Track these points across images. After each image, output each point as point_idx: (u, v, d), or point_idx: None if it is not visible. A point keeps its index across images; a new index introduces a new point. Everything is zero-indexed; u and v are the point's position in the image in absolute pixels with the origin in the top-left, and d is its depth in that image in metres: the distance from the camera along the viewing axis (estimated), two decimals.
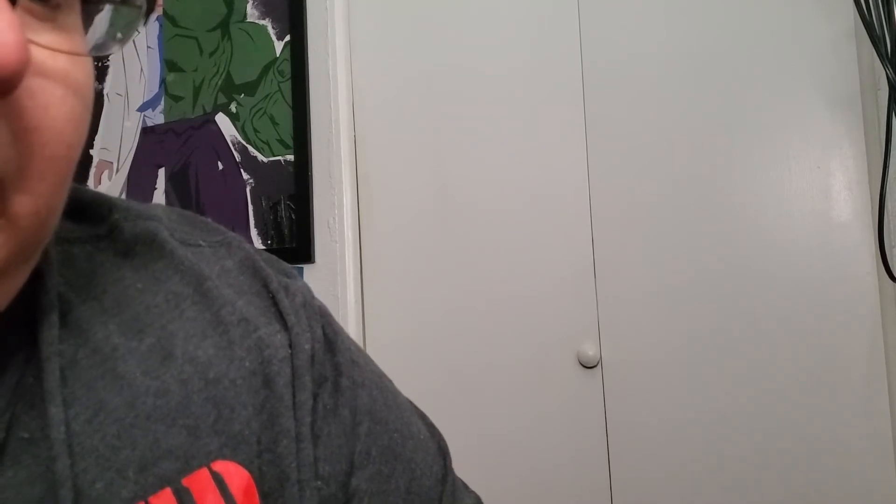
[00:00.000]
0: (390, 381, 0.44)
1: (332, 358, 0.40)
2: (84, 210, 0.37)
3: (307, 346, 0.38)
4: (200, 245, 0.40)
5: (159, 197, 1.64)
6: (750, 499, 1.18)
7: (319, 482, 0.36)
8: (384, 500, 0.38)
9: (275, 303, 0.39)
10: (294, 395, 0.36)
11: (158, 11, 1.68)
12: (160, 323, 0.35)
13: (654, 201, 1.26)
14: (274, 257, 0.44)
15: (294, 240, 1.49)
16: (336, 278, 1.45)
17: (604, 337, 1.30)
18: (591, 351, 1.29)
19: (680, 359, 1.23)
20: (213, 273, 0.38)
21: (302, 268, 1.48)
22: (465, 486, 0.44)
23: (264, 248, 1.51)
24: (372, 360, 0.44)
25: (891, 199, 1.08)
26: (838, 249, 1.15)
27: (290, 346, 0.37)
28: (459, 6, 1.44)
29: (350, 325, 1.46)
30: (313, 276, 1.46)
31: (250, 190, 1.54)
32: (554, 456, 1.32)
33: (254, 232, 1.53)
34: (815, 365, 1.15)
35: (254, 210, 1.54)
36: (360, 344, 1.47)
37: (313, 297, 0.42)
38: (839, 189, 1.16)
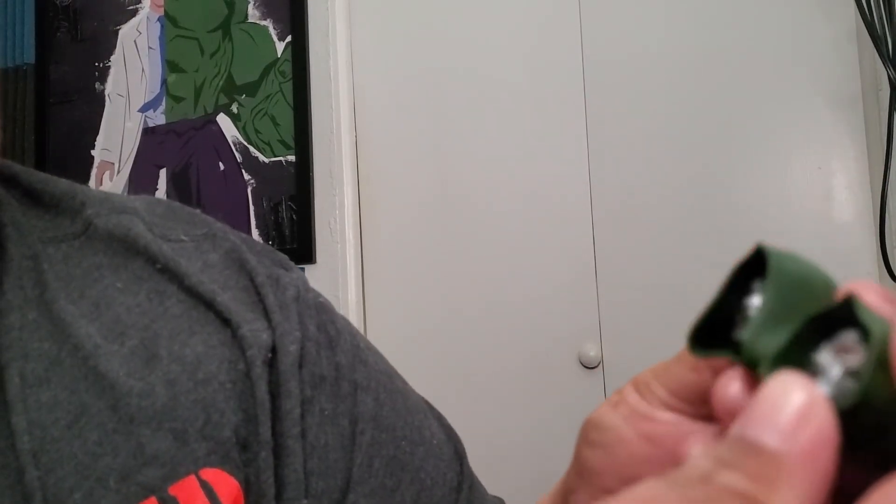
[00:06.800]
0: (402, 381, 0.40)
1: (332, 357, 0.36)
2: (57, 204, 0.36)
3: (292, 348, 0.34)
4: (182, 240, 0.37)
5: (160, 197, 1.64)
6: None
7: (307, 500, 0.33)
8: None
9: (260, 298, 0.35)
10: (274, 404, 0.33)
11: (160, 12, 1.68)
12: (143, 322, 0.33)
13: (655, 201, 1.26)
14: (269, 248, 0.40)
15: (295, 240, 1.49)
16: (337, 279, 1.45)
17: (605, 337, 1.30)
18: (592, 351, 1.29)
19: None
20: (196, 269, 0.35)
21: (303, 268, 1.48)
22: (486, 493, 0.41)
23: None
24: (383, 359, 0.41)
25: (892, 199, 1.08)
26: (840, 250, 1.15)
27: (274, 348, 0.34)
28: (460, 6, 1.44)
29: None
30: (314, 277, 1.47)
31: (251, 190, 1.54)
32: (555, 457, 1.31)
33: (255, 232, 1.53)
34: None
35: (255, 211, 1.54)
36: None
37: (309, 291, 0.38)
38: (840, 189, 1.16)
